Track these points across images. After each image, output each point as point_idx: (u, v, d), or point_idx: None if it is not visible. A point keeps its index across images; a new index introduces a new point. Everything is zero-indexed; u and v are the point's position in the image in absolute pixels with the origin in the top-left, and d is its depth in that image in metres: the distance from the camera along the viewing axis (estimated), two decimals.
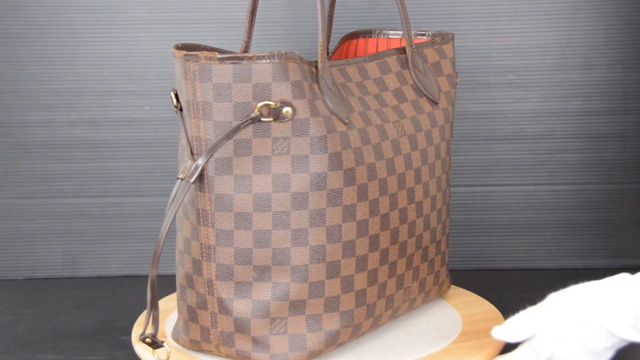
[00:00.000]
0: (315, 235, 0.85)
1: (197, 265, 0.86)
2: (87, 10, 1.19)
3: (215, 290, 0.85)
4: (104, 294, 1.17)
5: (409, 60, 0.95)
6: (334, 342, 0.87)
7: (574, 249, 1.23)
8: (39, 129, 1.21)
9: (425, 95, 0.96)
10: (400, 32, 1.02)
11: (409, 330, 0.95)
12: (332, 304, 0.86)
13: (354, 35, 1.03)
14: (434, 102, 0.96)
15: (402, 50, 0.96)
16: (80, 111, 1.21)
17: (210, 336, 0.87)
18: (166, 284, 1.20)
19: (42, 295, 1.17)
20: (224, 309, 0.85)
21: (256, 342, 0.85)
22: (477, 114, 1.21)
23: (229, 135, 0.82)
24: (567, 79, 1.20)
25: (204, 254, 0.86)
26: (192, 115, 0.84)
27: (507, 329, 0.83)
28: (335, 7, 1.03)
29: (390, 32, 1.02)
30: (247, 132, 0.83)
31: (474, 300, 1.04)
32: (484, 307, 1.02)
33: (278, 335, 0.85)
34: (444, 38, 1.00)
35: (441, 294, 1.02)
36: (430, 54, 0.98)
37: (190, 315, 0.88)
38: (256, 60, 0.81)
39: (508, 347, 0.89)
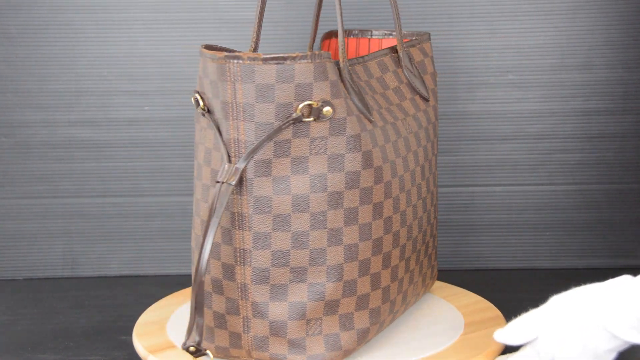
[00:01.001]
0: (349, 234, 0.85)
1: (228, 270, 0.85)
2: (87, 10, 1.19)
3: (249, 295, 0.84)
4: (104, 294, 1.17)
5: (401, 59, 0.96)
6: (364, 339, 0.88)
7: (574, 249, 1.23)
8: (39, 129, 1.21)
9: (418, 93, 0.97)
10: (378, 32, 1.03)
11: (411, 330, 0.96)
12: (362, 302, 0.87)
13: (333, 35, 1.04)
14: (425, 100, 0.97)
15: (393, 50, 0.97)
16: (80, 111, 1.21)
17: (242, 342, 0.85)
18: (167, 284, 1.20)
19: (42, 295, 1.17)
20: (258, 313, 0.84)
21: (292, 344, 0.85)
22: (477, 114, 1.21)
23: (270, 137, 0.81)
24: (567, 79, 1.20)
25: (238, 258, 0.84)
26: (231, 117, 0.82)
27: (510, 332, 0.82)
28: (339, 7, 1.03)
29: (374, 31, 1.03)
30: (288, 133, 0.82)
31: (474, 300, 1.04)
32: (485, 307, 1.02)
33: (314, 336, 0.85)
34: (423, 37, 1.01)
35: (429, 290, 1.05)
36: (415, 53, 0.99)
37: (217, 321, 0.86)
38: (299, 60, 0.81)
39: (509, 348, 0.89)
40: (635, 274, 0.80)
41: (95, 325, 1.06)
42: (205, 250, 0.80)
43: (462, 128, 1.21)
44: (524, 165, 1.22)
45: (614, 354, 0.80)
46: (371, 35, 1.04)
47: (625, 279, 0.80)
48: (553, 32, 1.19)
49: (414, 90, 0.96)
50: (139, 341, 0.93)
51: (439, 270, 1.22)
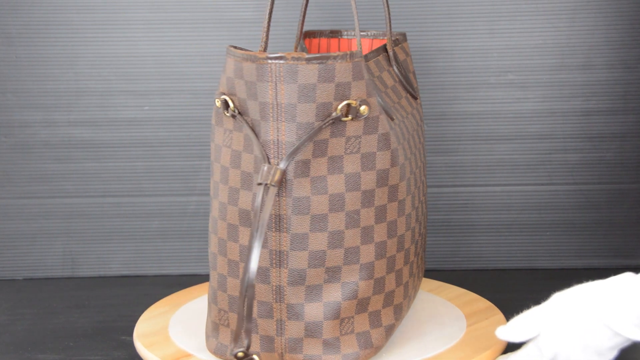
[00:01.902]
0: (378, 232, 0.86)
1: (262, 274, 0.84)
2: (86, 10, 1.19)
3: (285, 297, 0.84)
4: (104, 294, 1.17)
5: (391, 57, 0.96)
6: (390, 335, 0.89)
7: (574, 249, 1.23)
8: (39, 129, 1.21)
9: (408, 92, 0.97)
10: (347, 33, 1.03)
11: (413, 330, 0.96)
12: (389, 299, 0.88)
13: (311, 35, 1.04)
14: (415, 98, 0.98)
15: (382, 49, 0.97)
16: (80, 111, 1.21)
17: (274, 344, 0.85)
18: (167, 284, 1.20)
19: (42, 295, 1.17)
20: (294, 315, 0.84)
21: (327, 344, 0.85)
22: (477, 114, 1.21)
23: (311, 137, 0.81)
24: (567, 79, 1.20)
25: (274, 261, 0.84)
26: (271, 118, 0.81)
27: (512, 329, 0.82)
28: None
29: (344, 32, 1.04)
30: (326, 133, 0.82)
31: (475, 300, 1.04)
32: (486, 307, 1.02)
33: (347, 335, 0.85)
34: (402, 37, 1.02)
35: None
36: (399, 52, 1.00)
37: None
38: (339, 59, 0.81)
39: (511, 347, 0.89)
40: (636, 272, 0.80)
41: (95, 325, 1.06)
42: (254, 254, 0.78)
43: (462, 128, 1.21)
44: (524, 165, 1.21)
45: (615, 351, 0.80)
46: (341, 36, 1.04)
47: (627, 277, 0.80)
48: (553, 32, 1.19)
49: (405, 88, 0.97)
50: (149, 351, 0.92)
51: (439, 271, 1.22)
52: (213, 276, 0.89)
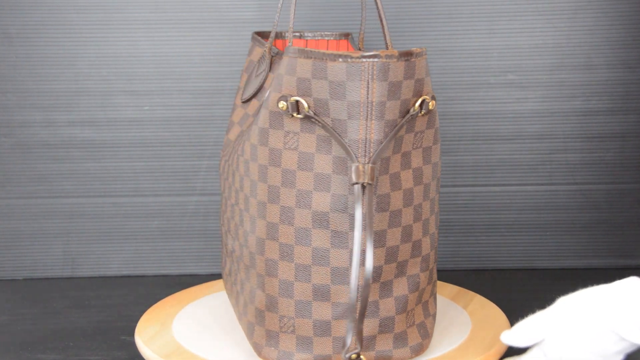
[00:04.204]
0: (432, 223, 0.87)
1: (340, 275, 0.83)
2: (86, 10, 1.19)
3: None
4: (104, 294, 1.17)
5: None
6: (434, 325, 0.90)
7: (574, 249, 1.23)
8: (39, 129, 1.21)
9: None
10: (319, 34, 1.04)
11: None
12: (433, 289, 0.90)
13: (279, 36, 1.04)
14: None
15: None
16: (80, 111, 1.21)
17: (350, 345, 0.84)
18: (167, 284, 1.20)
19: (42, 295, 1.17)
20: (370, 312, 0.84)
21: (397, 338, 0.86)
22: (477, 114, 1.21)
23: (395, 134, 0.81)
24: (567, 79, 1.20)
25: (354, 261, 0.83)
26: (361, 117, 0.80)
27: (517, 334, 0.82)
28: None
29: (306, 33, 1.04)
30: (403, 130, 0.83)
31: (477, 300, 1.04)
32: (488, 307, 1.02)
33: (411, 327, 0.87)
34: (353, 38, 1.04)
35: None
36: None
37: (318, 330, 0.84)
38: (418, 56, 0.82)
39: (515, 350, 0.89)
40: (635, 274, 0.80)
41: (95, 325, 1.06)
42: (369, 254, 0.77)
43: (462, 128, 1.21)
44: (524, 165, 1.21)
45: (621, 356, 0.80)
46: (302, 37, 1.04)
47: (632, 281, 0.80)
48: (553, 32, 1.19)
49: None
50: (154, 352, 0.92)
51: (439, 270, 1.22)
52: (270, 283, 0.85)
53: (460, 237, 1.23)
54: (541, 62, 1.20)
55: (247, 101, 0.98)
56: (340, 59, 0.80)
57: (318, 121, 0.81)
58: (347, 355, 0.79)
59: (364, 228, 0.81)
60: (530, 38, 1.19)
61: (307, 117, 0.82)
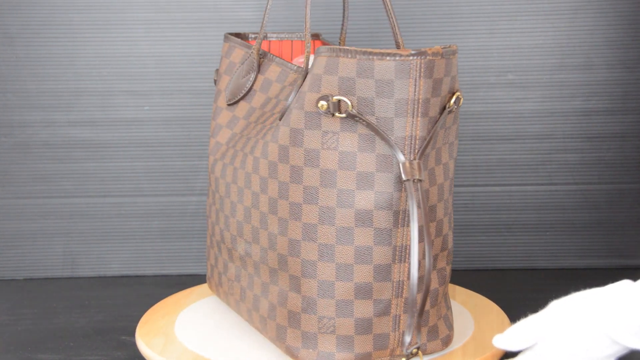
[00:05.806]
0: (453, 219, 0.89)
1: (382, 272, 0.83)
2: (86, 10, 1.19)
3: (403, 291, 0.84)
4: (104, 294, 1.17)
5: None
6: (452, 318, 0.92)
7: (574, 249, 1.23)
8: (39, 129, 1.21)
9: None
10: (283, 35, 1.03)
11: None
12: (446, 282, 0.91)
13: (245, 37, 1.04)
14: None
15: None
16: (79, 111, 1.21)
17: (389, 341, 0.85)
18: (167, 284, 1.20)
19: (42, 295, 1.17)
20: (409, 307, 0.84)
21: (430, 331, 0.87)
22: (477, 114, 1.21)
23: (436, 130, 0.82)
24: (567, 79, 1.20)
25: (397, 257, 0.83)
26: (408, 114, 0.81)
27: (509, 337, 0.82)
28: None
29: (276, 34, 1.04)
30: (438, 126, 0.83)
31: (479, 300, 1.04)
32: (490, 307, 1.02)
33: (440, 320, 0.88)
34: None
35: None
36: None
37: (360, 328, 0.84)
38: (453, 54, 0.82)
39: (509, 353, 0.88)
40: (635, 274, 0.80)
41: (95, 325, 1.06)
42: (427, 251, 0.79)
43: (462, 128, 1.21)
44: (524, 165, 1.22)
45: (613, 359, 0.80)
46: (266, 38, 1.04)
47: (625, 284, 0.80)
48: (553, 32, 1.19)
49: None
50: (156, 353, 0.91)
51: None
52: (307, 285, 0.85)
53: (460, 237, 1.23)
54: (541, 62, 1.20)
55: (233, 104, 0.98)
56: (389, 57, 0.80)
57: (362, 120, 0.81)
58: (409, 351, 0.80)
59: (405, 224, 0.83)
60: (530, 38, 1.19)
61: (349, 116, 0.81)
